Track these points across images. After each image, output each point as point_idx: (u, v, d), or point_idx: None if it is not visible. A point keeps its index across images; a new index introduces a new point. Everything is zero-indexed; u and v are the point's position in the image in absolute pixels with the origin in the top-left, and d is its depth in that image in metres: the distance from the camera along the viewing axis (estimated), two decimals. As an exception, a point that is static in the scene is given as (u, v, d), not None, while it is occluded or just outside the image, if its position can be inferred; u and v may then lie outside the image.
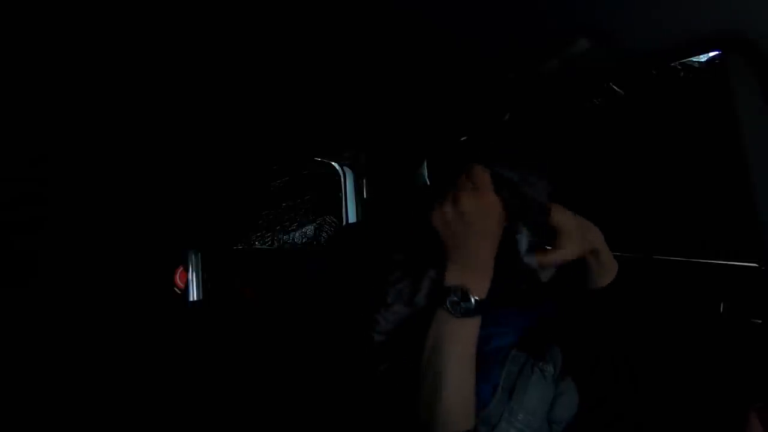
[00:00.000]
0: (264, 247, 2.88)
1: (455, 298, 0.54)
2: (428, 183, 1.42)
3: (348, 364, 0.73)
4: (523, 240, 0.58)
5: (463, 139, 1.27)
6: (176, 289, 1.37)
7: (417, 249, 0.64)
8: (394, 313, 0.64)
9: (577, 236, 0.59)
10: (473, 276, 0.55)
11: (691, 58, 1.04)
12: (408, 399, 0.56)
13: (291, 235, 2.91)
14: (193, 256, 1.37)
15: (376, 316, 0.65)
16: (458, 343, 0.54)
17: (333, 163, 1.59)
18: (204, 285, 1.37)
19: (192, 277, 1.36)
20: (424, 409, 0.53)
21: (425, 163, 1.49)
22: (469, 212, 0.54)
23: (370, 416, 0.65)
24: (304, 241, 2.86)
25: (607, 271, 0.64)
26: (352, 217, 1.61)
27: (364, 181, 1.58)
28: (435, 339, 0.55)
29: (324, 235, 2.85)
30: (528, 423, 0.58)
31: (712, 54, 0.89)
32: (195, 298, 1.36)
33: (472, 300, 0.53)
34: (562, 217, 0.59)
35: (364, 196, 1.59)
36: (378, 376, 0.63)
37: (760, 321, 0.77)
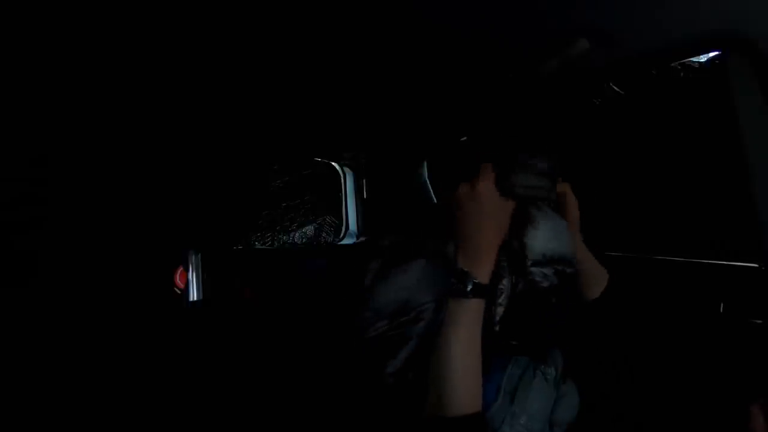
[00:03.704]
0: (264, 247, 2.87)
1: (457, 281, 0.55)
2: (428, 183, 1.42)
3: (348, 364, 0.73)
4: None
5: (463, 139, 1.27)
6: (176, 289, 1.37)
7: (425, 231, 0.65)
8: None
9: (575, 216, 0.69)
10: (476, 260, 0.57)
11: (691, 58, 1.03)
12: (418, 396, 0.55)
13: (291, 235, 2.90)
14: (193, 256, 1.37)
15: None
16: (462, 324, 0.55)
17: (333, 163, 1.59)
18: (204, 285, 1.37)
19: (192, 277, 1.36)
20: (433, 390, 0.54)
21: (425, 163, 1.49)
22: (483, 194, 0.59)
23: (374, 416, 0.65)
24: (304, 241, 2.85)
25: (597, 281, 0.69)
26: (352, 217, 1.61)
27: (364, 181, 1.58)
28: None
29: (324, 235, 2.85)
30: (530, 426, 0.58)
31: (712, 54, 0.89)
32: (195, 298, 1.35)
33: (470, 283, 0.55)
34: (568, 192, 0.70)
35: (364, 196, 1.59)
36: (387, 383, 0.62)
37: (760, 321, 0.77)
